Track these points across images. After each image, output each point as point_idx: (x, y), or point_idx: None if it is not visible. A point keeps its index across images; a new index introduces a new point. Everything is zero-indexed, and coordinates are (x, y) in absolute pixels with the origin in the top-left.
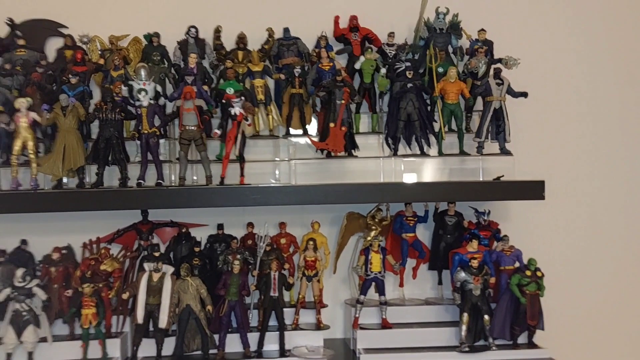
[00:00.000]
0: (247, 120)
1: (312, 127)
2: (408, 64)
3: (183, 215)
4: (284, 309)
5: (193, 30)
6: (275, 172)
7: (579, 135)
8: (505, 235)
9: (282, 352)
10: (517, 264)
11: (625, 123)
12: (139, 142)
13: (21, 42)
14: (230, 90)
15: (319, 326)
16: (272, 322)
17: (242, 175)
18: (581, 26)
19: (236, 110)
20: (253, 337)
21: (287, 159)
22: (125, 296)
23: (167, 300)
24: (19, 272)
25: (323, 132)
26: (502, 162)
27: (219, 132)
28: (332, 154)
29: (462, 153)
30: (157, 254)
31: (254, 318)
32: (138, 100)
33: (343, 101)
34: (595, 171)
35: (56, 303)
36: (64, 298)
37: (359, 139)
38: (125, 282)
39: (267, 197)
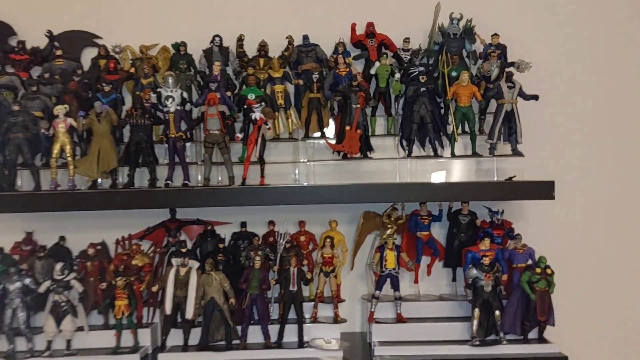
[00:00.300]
0: (267, 124)
1: (330, 130)
2: (422, 68)
3: (208, 213)
4: (303, 303)
5: (217, 39)
6: (295, 173)
7: (590, 136)
8: (518, 234)
9: (301, 343)
10: (529, 262)
11: (635, 123)
12: (166, 145)
13: (59, 52)
14: (251, 96)
15: (336, 319)
16: (292, 315)
17: (262, 176)
18: (591, 29)
19: (256, 115)
20: (273, 329)
21: (305, 161)
22: (154, 289)
23: (193, 293)
24: (58, 266)
25: (340, 135)
26: (513, 162)
27: (240, 135)
28: (348, 155)
29: (475, 154)
30: (184, 250)
31: (274, 311)
32: (166, 106)
33: (358, 105)
34: (606, 171)
35: (92, 295)
36: (99, 290)
37: (375, 141)
38: (154, 276)
39: (287, 196)
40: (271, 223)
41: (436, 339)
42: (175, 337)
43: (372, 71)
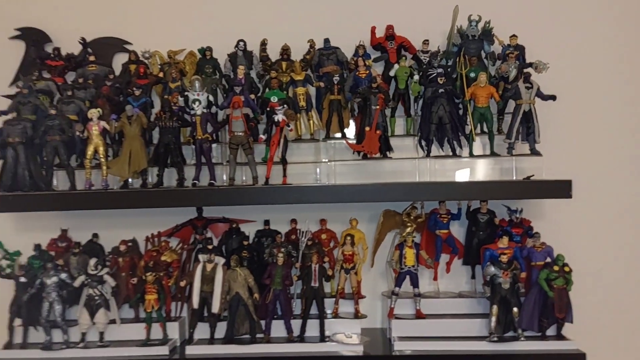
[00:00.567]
0: (289, 126)
1: (350, 131)
2: (440, 70)
3: (233, 212)
4: (324, 299)
5: (242, 43)
6: (316, 173)
7: (607, 135)
8: (537, 232)
9: (322, 337)
10: (547, 260)
11: None
12: (193, 146)
13: (92, 58)
14: (274, 99)
15: (356, 315)
16: (314, 310)
17: (284, 175)
18: (608, 29)
19: (279, 117)
20: (296, 324)
21: (326, 161)
22: (182, 284)
23: (219, 288)
24: (92, 261)
25: (360, 136)
26: (531, 162)
27: (264, 137)
28: (368, 155)
29: (493, 154)
30: (210, 247)
31: (296, 306)
32: (193, 109)
33: (378, 107)
34: (623, 170)
35: (123, 289)
36: (130, 285)
37: (395, 141)
38: (182, 271)
39: (309, 195)
40: (293, 221)
41: (455, 334)
42: (202, 330)
43: (392, 73)
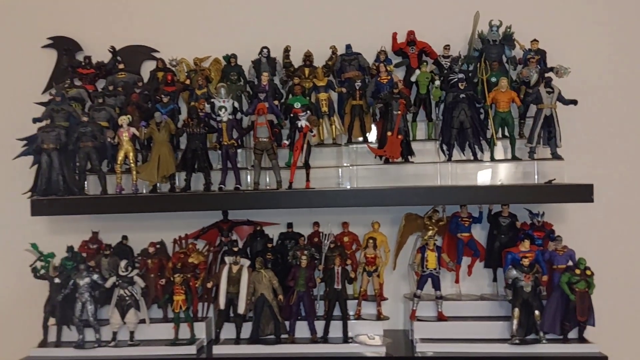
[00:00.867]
0: (312, 131)
1: (372, 136)
2: (461, 75)
3: (257, 215)
4: (347, 301)
5: (265, 50)
6: (338, 177)
7: (628, 139)
8: (559, 236)
9: (345, 339)
10: (570, 263)
11: None
12: (219, 152)
13: (121, 66)
14: (297, 105)
15: (379, 317)
16: (337, 312)
17: (307, 180)
18: (629, 33)
19: (302, 123)
20: (319, 325)
21: (349, 165)
22: (209, 285)
23: (245, 289)
24: (123, 263)
25: (381, 140)
26: (553, 166)
27: (287, 142)
28: (390, 160)
29: (514, 158)
30: (236, 249)
31: (320, 308)
32: (219, 115)
33: (399, 112)
34: None
35: (152, 290)
36: (159, 286)
37: (416, 145)
38: (209, 273)
39: (331, 199)
40: (316, 224)
41: (476, 337)
42: (228, 330)
43: (413, 79)
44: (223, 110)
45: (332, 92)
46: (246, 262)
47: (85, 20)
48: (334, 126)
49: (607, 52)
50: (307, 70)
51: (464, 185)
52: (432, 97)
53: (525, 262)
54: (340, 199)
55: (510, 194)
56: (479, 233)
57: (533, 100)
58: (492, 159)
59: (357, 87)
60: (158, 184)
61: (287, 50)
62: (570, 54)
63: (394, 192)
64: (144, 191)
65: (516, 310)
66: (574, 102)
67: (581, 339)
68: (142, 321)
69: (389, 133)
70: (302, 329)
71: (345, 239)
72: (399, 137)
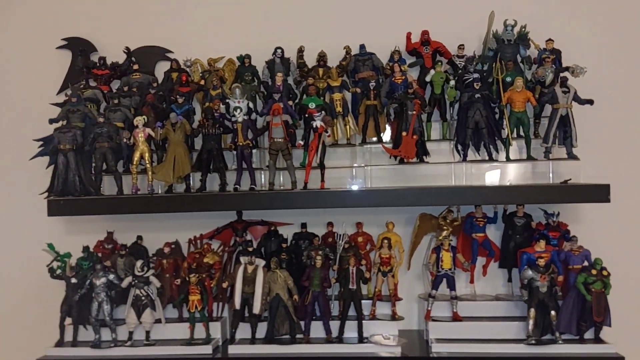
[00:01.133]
0: (327, 132)
1: (386, 136)
2: (476, 75)
3: (271, 215)
4: (362, 301)
5: (279, 50)
6: (352, 177)
7: None
8: (574, 236)
9: (361, 339)
10: (585, 264)
11: None
12: (234, 152)
13: (135, 66)
14: (312, 105)
15: (394, 317)
16: (351, 312)
17: (322, 180)
18: None
19: (317, 123)
20: (334, 325)
21: (363, 165)
22: (224, 285)
23: (260, 289)
24: (139, 263)
25: (396, 140)
26: (569, 166)
27: (302, 142)
28: (405, 160)
29: (530, 158)
30: (250, 249)
31: (334, 308)
32: (234, 116)
33: (414, 112)
34: None
35: (168, 290)
36: (174, 286)
37: (431, 145)
38: (223, 273)
39: (345, 199)
40: (330, 224)
41: (492, 337)
42: (243, 330)
43: (428, 78)
44: (238, 110)
45: (346, 92)
46: (261, 262)
47: (100, 22)
48: (348, 126)
49: (624, 51)
50: (321, 71)
51: (478, 185)
52: (446, 97)
53: (541, 262)
54: (356, 200)
55: (526, 194)
56: (493, 233)
57: (549, 100)
58: (508, 159)
59: (372, 87)
60: (173, 185)
61: (301, 51)
62: (586, 53)
63: (408, 192)
64: (160, 191)
65: (532, 310)
66: (590, 101)
67: (597, 340)
68: (158, 321)
69: (404, 133)
70: (317, 329)
71: (360, 239)
72: (414, 137)
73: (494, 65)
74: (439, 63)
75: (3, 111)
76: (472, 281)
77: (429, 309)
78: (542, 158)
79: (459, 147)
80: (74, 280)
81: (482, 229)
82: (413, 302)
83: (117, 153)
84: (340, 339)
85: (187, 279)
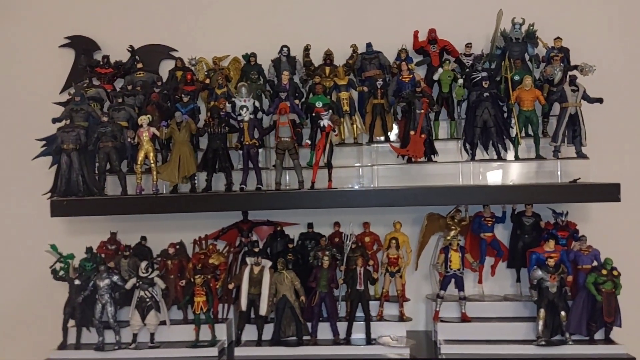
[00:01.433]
0: (334, 131)
1: (393, 135)
2: (484, 73)
3: (277, 215)
4: (370, 302)
5: (285, 49)
6: (359, 177)
7: None
8: (583, 236)
9: (369, 340)
10: (595, 263)
11: None
12: (241, 152)
13: (139, 65)
14: (319, 104)
15: (402, 318)
16: (359, 313)
17: (330, 180)
18: None
19: (325, 122)
20: (342, 326)
21: (370, 165)
22: (231, 286)
23: (266, 290)
24: (143, 264)
25: (404, 139)
26: (578, 165)
27: (309, 142)
28: (413, 159)
29: (539, 157)
30: (256, 250)
31: (342, 309)
32: (240, 115)
33: (422, 111)
34: None
35: (172, 291)
36: (179, 287)
37: (438, 145)
38: (229, 274)
39: (352, 199)
40: (337, 224)
41: (501, 338)
42: (249, 332)
43: (436, 77)
44: (244, 109)
45: (353, 90)
46: (268, 263)
47: (103, 20)
48: (355, 125)
49: (633, 49)
50: (327, 69)
51: (487, 184)
52: (454, 96)
53: (551, 262)
54: (363, 199)
55: (536, 194)
56: (501, 233)
57: (557, 98)
58: (517, 158)
59: (379, 86)
60: (178, 185)
61: (307, 49)
62: (595, 51)
63: (415, 192)
64: (164, 192)
65: (542, 311)
66: (600, 100)
67: (608, 340)
68: (163, 323)
69: (412, 132)
70: (324, 331)
71: (367, 239)
72: (422, 136)
73: (502, 64)
74: (447, 61)
75: (5, 110)
76: (480, 281)
77: (438, 309)
78: (551, 157)
79: (467, 146)
80: (77, 282)
81: (491, 229)
82: (420, 302)
83: (121, 153)
84: (347, 341)
85: (192, 280)
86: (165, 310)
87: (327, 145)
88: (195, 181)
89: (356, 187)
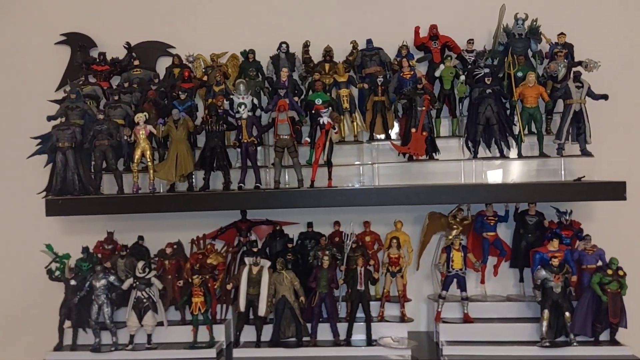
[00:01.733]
0: (334, 128)
1: (394, 132)
2: (487, 70)
3: (276, 214)
4: (370, 302)
5: (284, 45)
6: (360, 175)
7: None
8: (587, 235)
9: (369, 341)
10: (599, 263)
11: None
12: (239, 150)
13: (136, 62)
14: (318, 101)
15: (403, 319)
16: (359, 313)
17: (329, 178)
18: None
19: (324, 119)
20: (342, 327)
21: (370, 163)
22: (229, 287)
23: (265, 291)
24: (140, 264)
25: (405, 137)
26: (582, 163)
27: (309, 139)
28: (414, 157)
29: (542, 155)
30: (255, 250)
31: (342, 309)
32: (238, 112)
33: (424, 108)
34: None
35: (170, 292)
36: (176, 287)
37: (440, 142)
38: (227, 274)
39: (353, 198)
40: (337, 223)
41: (504, 339)
42: (248, 333)
43: (437, 74)
44: (242, 106)
45: (353, 88)
46: (267, 263)
47: (100, 16)
48: (355, 123)
49: (638, 45)
50: (327, 66)
51: (489, 183)
52: (456, 93)
53: (555, 262)
54: (364, 198)
55: (540, 192)
56: (504, 232)
57: (561, 95)
58: (520, 156)
59: (379, 83)
60: (176, 183)
61: (306, 46)
62: (599, 47)
63: (417, 190)
64: (162, 190)
65: (546, 311)
66: (605, 97)
67: (613, 341)
68: (160, 324)
69: (413, 130)
70: (324, 332)
71: (367, 238)
72: (424, 133)
73: (505, 60)
74: (449, 58)
75: (0, 108)
76: (482, 281)
77: (439, 310)
78: (555, 155)
79: (470, 144)
80: (73, 282)
81: (493, 228)
82: (422, 303)
83: (117, 151)
84: (348, 342)
85: (190, 280)
86: (162, 311)
87: (327, 143)
88: (193, 180)
89: (356, 186)
